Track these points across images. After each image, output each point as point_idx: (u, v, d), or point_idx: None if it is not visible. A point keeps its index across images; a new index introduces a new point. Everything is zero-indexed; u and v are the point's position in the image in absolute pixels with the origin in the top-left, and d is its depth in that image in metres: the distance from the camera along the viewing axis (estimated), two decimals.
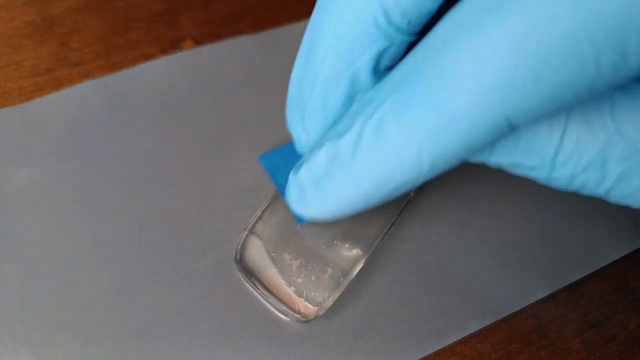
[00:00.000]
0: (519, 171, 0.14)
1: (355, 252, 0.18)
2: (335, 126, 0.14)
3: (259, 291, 0.18)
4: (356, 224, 0.19)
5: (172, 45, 0.23)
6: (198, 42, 0.24)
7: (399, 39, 0.13)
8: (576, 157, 0.14)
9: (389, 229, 0.19)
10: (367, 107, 0.13)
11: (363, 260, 0.18)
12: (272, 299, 0.18)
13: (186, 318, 0.18)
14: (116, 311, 0.18)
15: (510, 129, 0.12)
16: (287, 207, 0.19)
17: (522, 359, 0.18)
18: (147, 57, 0.23)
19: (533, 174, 0.14)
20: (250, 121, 0.22)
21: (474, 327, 0.19)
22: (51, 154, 0.20)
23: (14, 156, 0.20)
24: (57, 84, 0.22)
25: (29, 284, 0.18)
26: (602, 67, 0.11)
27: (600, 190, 0.14)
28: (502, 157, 0.14)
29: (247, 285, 0.18)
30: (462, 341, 0.19)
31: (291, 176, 0.15)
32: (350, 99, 0.14)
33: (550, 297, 0.19)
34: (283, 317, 0.18)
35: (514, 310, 0.19)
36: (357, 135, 0.13)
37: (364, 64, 0.13)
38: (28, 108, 0.21)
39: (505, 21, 0.11)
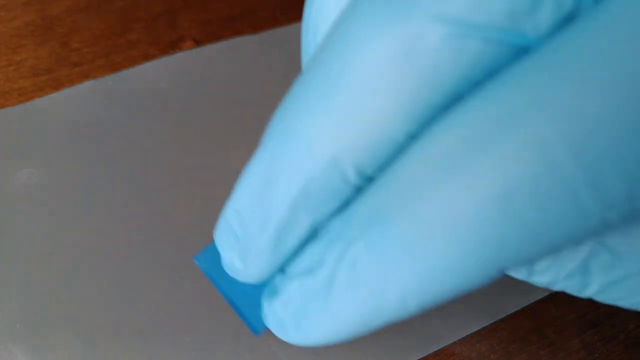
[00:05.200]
0: None
1: None
2: (300, 259, 0.12)
3: None
4: None
5: (172, 45, 0.23)
6: (198, 42, 0.24)
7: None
8: (556, 268, 0.13)
9: None
10: (336, 243, 0.11)
11: None
12: None
13: (186, 318, 0.18)
14: (116, 311, 0.18)
15: (500, 274, 0.11)
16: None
17: (521, 359, 0.19)
18: (147, 57, 0.23)
19: (511, 274, 0.14)
20: (250, 121, 0.22)
21: (473, 327, 0.19)
22: (51, 154, 0.20)
23: (14, 156, 0.20)
24: (57, 84, 0.22)
25: (29, 284, 0.18)
26: (609, 218, 0.09)
27: (583, 295, 0.13)
28: None
29: None
30: (462, 341, 0.19)
31: (265, 305, 0.14)
32: (306, 243, 0.12)
33: (550, 297, 0.19)
34: None
35: (514, 310, 0.19)
36: (330, 274, 0.12)
37: (327, 212, 0.12)
38: (28, 108, 0.21)
39: (485, 165, 0.09)
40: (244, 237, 0.13)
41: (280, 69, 0.23)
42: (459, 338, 0.18)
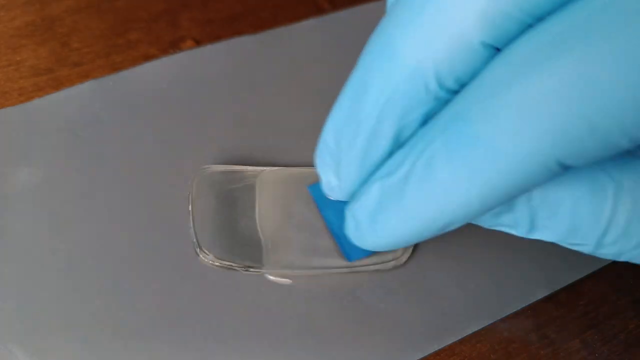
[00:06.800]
0: (563, 245, 0.15)
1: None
2: (384, 165, 0.14)
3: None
4: None
5: (172, 45, 0.23)
6: (198, 42, 0.24)
7: (450, 98, 0.13)
8: (625, 239, 0.14)
9: None
10: (416, 146, 0.13)
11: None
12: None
13: (186, 318, 0.18)
14: (116, 311, 0.18)
15: (563, 170, 0.12)
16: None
17: (522, 359, 0.18)
18: (147, 57, 0.23)
19: (577, 249, 0.15)
20: (250, 121, 0.22)
21: (473, 327, 0.19)
22: (51, 154, 0.20)
23: (14, 156, 0.20)
24: (57, 84, 0.22)
25: (29, 284, 0.18)
26: None
27: None
28: (544, 235, 0.15)
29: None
30: (462, 341, 0.19)
31: (347, 210, 0.15)
32: (391, 153, 0.14)
33: (550, 297, 0.19)
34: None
35: (514, 310, 0.19)
36: (407, 172, 0.13)
37: (411, 122, 0.13)
38: (28, 108, 0.21)
39: (557, 66, 0.11)
40: (337, 152, 0.15)
41: (280, 69, 0.23)
42: (459, 338, 0.18)
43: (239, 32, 0.24)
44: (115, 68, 0.23)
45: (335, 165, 0.15)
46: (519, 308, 0.19)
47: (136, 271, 0.18)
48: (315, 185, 0.18)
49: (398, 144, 0.14)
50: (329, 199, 0.16)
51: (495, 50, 0.12)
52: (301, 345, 0.18)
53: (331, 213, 0.17)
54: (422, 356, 0.18)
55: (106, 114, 0.21)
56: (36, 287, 0.18)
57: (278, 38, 0.24)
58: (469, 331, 0.18)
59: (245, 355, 0.17)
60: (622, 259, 0.15)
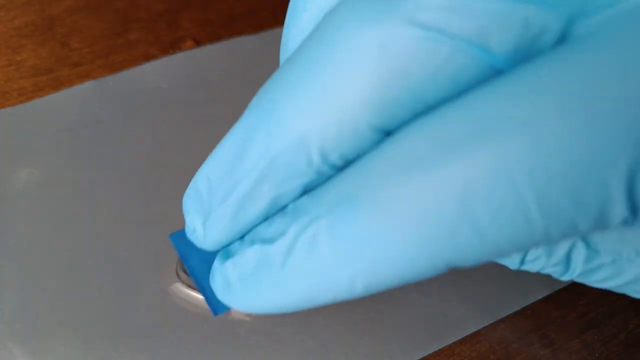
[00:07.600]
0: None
1: None
2: (265, 226, 0.13)
3: None
4: None
5: (172, 45, 0.23)
6: (198, 42, 0.24)
7: (332, 173, 0.12)
8: (544, 259, 0.15)
9: None
10: (302, 218, 0.12)
11: None
12: None
13: (187, 318, 0.18)
14: (116, 311, 0.18)
15: (449, 269, 0.11)
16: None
17: (521, 359, 0.18)
18: (147, 57, 0.23)
19: (503, 263, 0.15)
20: None
21: (473, 327, 0.19)
22: (51, 154, 0.20)
23: (14, 156, 0.20)
24: (57, 84, 0.22)
25: (29, 284, 0.18)
26: (551, 234, 0.10)
27: (565, 278, 0.15)
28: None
29: None
30: (462, 341, 0.19)
31: (216, 264, 0.14)
32: (266, 216, 0.13)
33: (550, 297, 0.19)
34: None
35: (514, 310, 0.19)
36: (290, 245, 0.12)
37: (289, 191, 0.13)
38: (28, 108, 0.21)
39: (451, 168, 0.10)
40: (208, 203, 0.14)
41: None
42: (459, 338, 0.18)
43: (239, 32, 0.24)
44: (115, 68, 0.23)
45: (204, 214, 0.14)
46: (519, 308, 0.19)
47: (136, 271, 0.18)
48: (177, 233, 0.16)
49: (275, 209, 0.13)
50: (194, 247, 0.15)
51: (385, 134, 0.12)
52: (301, 345, 0.18)
53: (195, 260, 0.16)
54: (422, 356, 0.18)
55: (106, 114, 0.21)
56: (36, 286, 0.18)
57: (278, 38, 0.24)
58: (469, 331, 0.18)
59: (245, 354, 0.17)
60: (544, 272, 0.15)
